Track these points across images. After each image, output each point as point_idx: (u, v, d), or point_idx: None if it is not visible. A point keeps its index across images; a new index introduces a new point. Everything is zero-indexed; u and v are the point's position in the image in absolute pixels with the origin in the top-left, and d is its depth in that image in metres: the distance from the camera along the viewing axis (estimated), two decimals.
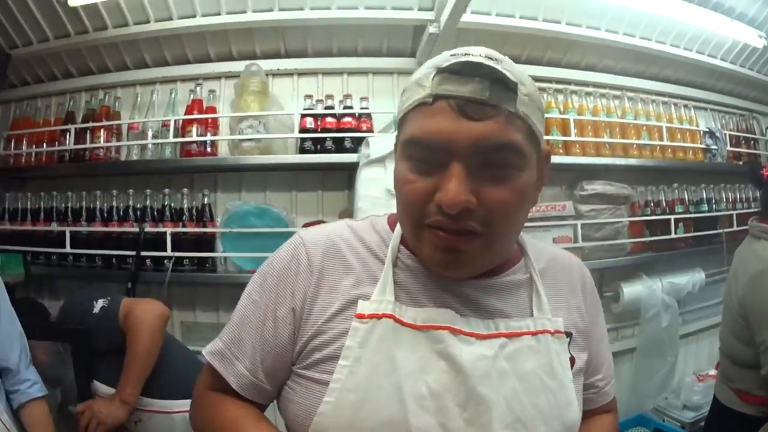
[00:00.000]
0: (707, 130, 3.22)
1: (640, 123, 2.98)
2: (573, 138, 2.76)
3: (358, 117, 2.57)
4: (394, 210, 0.87)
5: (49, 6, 2.56)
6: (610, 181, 2.85)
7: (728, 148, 3.31)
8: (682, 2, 2.79)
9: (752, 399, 1.85)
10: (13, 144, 2.82)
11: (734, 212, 3.24)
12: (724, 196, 3.34)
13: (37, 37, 2.74)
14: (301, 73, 2.73)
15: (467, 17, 2.50)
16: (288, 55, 2.74)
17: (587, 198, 2.80)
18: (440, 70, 0.76)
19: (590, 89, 3.01)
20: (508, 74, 0.75)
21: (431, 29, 2.46)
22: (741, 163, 3.40)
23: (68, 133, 2.69)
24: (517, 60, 2.72)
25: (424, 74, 0.78)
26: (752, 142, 3.57)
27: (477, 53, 0.77)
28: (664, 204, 3.08)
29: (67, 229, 2.57)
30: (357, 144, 2.46)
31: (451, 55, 0.78)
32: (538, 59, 2.94)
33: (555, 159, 2.69)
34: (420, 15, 2.57)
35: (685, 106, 3.28)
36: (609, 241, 2.80)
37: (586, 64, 3.06)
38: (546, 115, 2.69)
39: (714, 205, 3.22)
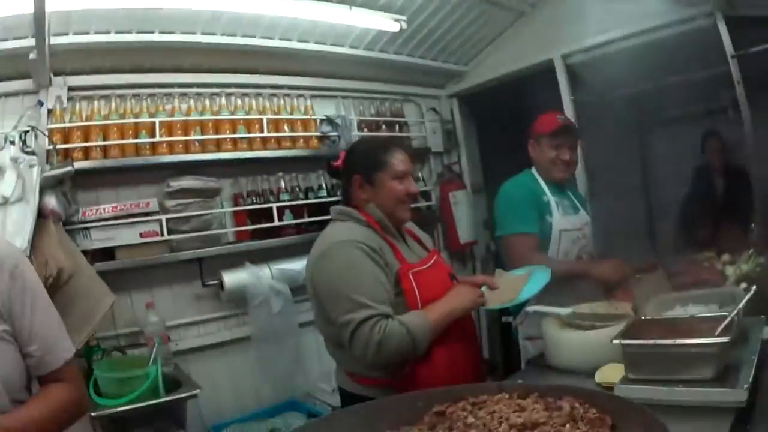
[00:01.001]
0: (325, 117, 3.34)
1: (236, 118, 3.06)
2: (159, 139, 2.82)
3: None
4: None
5: None
6: (205, 176, 2.94)
7: (355, 133, 3.44)
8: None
9: (369, 382, 1.80)
10: None
11: None
12: None
13: None
14: None
15: (67, 38, 2.55)
16: None
17: (173, 194, 2.85)
18: None
19: (184, 90, 3.02)
20: None
21: (31, 56, 2.46)
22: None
23: None
24: (121, 70, 2.77)
25: None
26: (402, 125, 3.75)
27: None
28: (268, 193, 3.14)
29: None
30: None
31: None
32: (138, 68, 2.94)
33: (141, 160, 2.79)
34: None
35: (301, 96, 3.38)
36: (199, 233, 2.88)
37: (189, 66, 3.06)
38: (135, 120, 2.76)
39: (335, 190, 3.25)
